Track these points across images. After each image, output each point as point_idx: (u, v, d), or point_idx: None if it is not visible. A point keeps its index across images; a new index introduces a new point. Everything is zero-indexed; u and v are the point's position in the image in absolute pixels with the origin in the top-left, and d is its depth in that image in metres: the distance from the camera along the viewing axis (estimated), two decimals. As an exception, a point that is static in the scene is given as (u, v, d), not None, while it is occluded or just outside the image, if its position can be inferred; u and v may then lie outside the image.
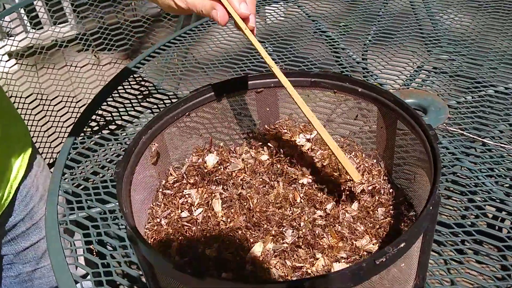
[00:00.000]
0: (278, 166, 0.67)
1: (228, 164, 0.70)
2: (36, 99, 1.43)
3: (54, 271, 0.68)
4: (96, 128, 0.99)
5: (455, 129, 0.83)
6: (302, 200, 0.63)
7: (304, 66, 1.05)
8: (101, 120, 1.00)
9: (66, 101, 1.46)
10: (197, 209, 0.64)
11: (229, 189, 0.66)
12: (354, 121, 0.71)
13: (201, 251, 0.59)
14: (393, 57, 1.05)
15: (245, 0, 0.59)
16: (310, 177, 0.65)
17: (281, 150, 0.69)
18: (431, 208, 0.50)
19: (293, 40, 1.16)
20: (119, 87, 1.08)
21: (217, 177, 0.68)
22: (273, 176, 0.66)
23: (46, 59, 1.48)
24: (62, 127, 1.43)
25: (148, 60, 1.17)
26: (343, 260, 0.58)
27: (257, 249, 0.58)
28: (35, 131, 1.40)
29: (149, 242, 0.63)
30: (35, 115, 1.41)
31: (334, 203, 0.63)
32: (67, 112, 1.45)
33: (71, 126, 1.00)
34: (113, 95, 1.06)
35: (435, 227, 0.55)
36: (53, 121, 1.43)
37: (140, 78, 1.12)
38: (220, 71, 1.10)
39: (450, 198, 0.75)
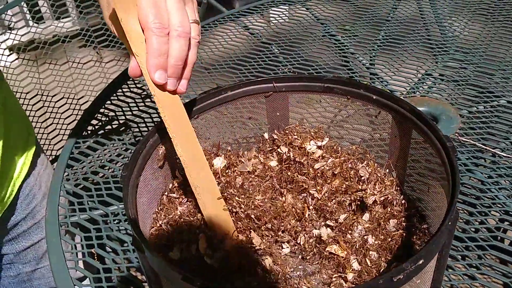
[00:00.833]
0: (288, 173, 0.65)
1: (235, 168, 0.68)
2: (37, 94, 1.41)
3: (53, 274, 0.66)
4: (99, 126, 0.97)
5: (466, 139, 0.81)
6: (311, 211, 0.61)
7: (312, 70, 1.03)
8: (103, 119, 0.98)
9: (68, 98, 1.44)
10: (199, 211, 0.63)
11: (235, 193, 0.65)
12: (367, 128, 0.69)
13: (203, 258, 0.57)
14: (403, 63, 1.03)
15: (166, 66, 0.52)
16: (320, 187, 0.63)
17: (291, 156, 0.67)
18: (449, 223, 0.48)
19: (301, 42, 1.14)
20: (123, 86, 1.06)
21: (223, 180, 0.66)
22: (283, 184, 0.64)
23: (47, 54, 1.46)
24: (63, 124, 1.41)
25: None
26: (352, 275, 0.56)
27: (267, 261, 0.56)
28: (35, 127, 1.37)
29: (152, 247, 0.61)
30: (36, 111, 1.38)
31: (346, 214, 0.61)
32: (68, 109, 1.43)
33: (74, 124, 0.98)
34: (117, 93, 1.04)
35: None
36: (54, 118, 1.41)
37: (143, 79, 1.10)
38: (225, 73, 1.08)
39: (463, 210, 0.74)
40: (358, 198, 0.63)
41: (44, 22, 1.66)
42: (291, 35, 1.19)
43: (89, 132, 0.94)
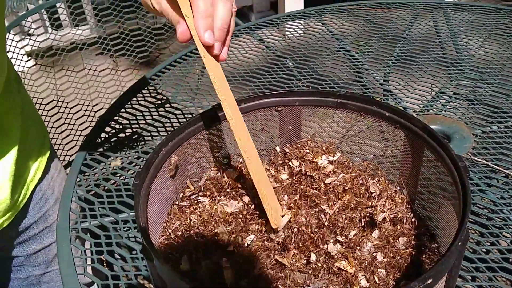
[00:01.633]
0: (301, 187, 0.65)
1: (246, 180, 0.68)
2: (53, 100, 1.43)
3: (62, 279, 0.67)
4: (112, 134, 0.98)
5: (479, 159, 0.80)
6: (325, 228, 0.61)
7: (326, 85, 1.04)
8: (117, 126, 1.00)
9: (83, 105, 1.46)
10: (209, 217, 0.63)
11: (246, 202, 0.65)
12: (379, 145, 0.69)
13: (213, 266, 0.57)
14: (417, 80, 1.03)
15: (213, 27, 0.54)
16: (332, 202, 0.63)
17: (302, 170, 0.67)
18: (459, 244, 0.48)
19: (315, 57, 1.14)
20: (138, 94, 1.07)
21: (234, 191, 0.66)
22: (294, 198, 0.64)
23: (65, 60, 1.48)
24: (77, 130, 1.43)
25: (168, 70, 1.16)
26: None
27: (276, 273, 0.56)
28: (50, 132, 1.39)
29: (162, 256, 0.61)
30: (51, 116, 1.40)
31: (356, 230, 0.61)
32: (83, 115, 1.44)
33: (88, 130, 1.00)
34: (131, 102, 1.05)
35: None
36: (69, 124, 1.42)
37: (157, 89, 1.11)
38: (239, 85, 1.09)
39: (474, 230, 0.73)
40: (367, 214, 0.63)
41: (62, 29, 1.69)
42: (305, 49, 1.19)
43: (102, 139, 0.96)
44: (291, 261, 0.57)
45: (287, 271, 0.57)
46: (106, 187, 0.83)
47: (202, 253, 0.59)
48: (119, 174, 0.87)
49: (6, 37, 1.07)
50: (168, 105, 1.06)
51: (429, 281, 0.44)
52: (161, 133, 0.97)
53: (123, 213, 0.77)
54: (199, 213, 0.64)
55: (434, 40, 1.23)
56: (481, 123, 0.90)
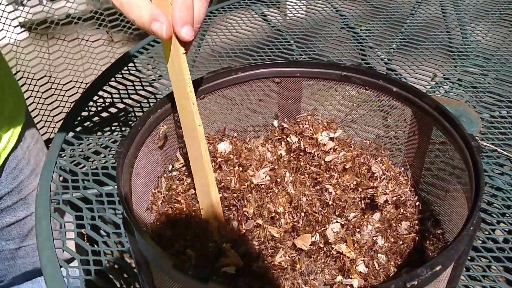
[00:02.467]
0: (301, 163, 0.61)
1: (241, 154, 0.63)
2: (43, 70, 1.38)
3: (39, 253, 0.62)
4: (102, 105, 0.93)
5: (487, 145, 0.76)
6: (329, 208, 0.56)
7: (327, 62, 0.99)
8: (107, 97, 0.94)
9: (74, 75, 1.40)
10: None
11: (243, 176, 0.60)
12: (384, 123, 0.65)
13: (201, 244, 0.53)
14: (420, 65, 0.98)
15: (193, 22, 0.48)
16: (336, 180, 0.59)
17: (301, 146, 0.62)
18: (471, 228, 0.43)
19: (318, 33, 1.09)
20: (130, 65, 1.02)
21: (229, 164, 0.62)
22: (295, 175, 0.60)
23: (58, 29, 1.42)
24: (67, 102, 1.38)
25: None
26: (357, 278, 0.51)
27: (278, 257, 0.52)
28: (38, 102, 1.34)
29: (145, 231, 0.57)
30: (40, 86, 1.35)
31: (356, 212, 0.56)
32: (73, 87, 1.39)
33: (74, 101, 0.95)
34: (122, 72, 1.00)
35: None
36: (58, 95, 1.37)
37: (150, 60, 1.06)
38: (236, 58, 1.03)
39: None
40: (368, 196, 0.58)
41: (57, 1, 1.63)
42: (308, 24, 1.14)
43: (91, 110, 0.90)
44: (305, 243, 0.53)
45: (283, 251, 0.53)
46: (91, 159, 0.79)
47: (193, 234, 0.54)
48: (109, 148, 0.83)
49: None
50: (160, 77, 1.01)
51: (437, 268, 0.40)
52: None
53: (107, 186, 0.72)
54: (188, 188, 0.60)
55: (440, 24, 1.18)
56: (489, 107, 0.86)
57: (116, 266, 0.64)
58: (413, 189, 0.61)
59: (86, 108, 0.90)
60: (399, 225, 0.57)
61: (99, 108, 0.91)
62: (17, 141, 0.74)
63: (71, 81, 1.39)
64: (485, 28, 1.13)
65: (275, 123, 0.69)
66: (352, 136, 0.66)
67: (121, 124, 0.90)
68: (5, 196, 0.75)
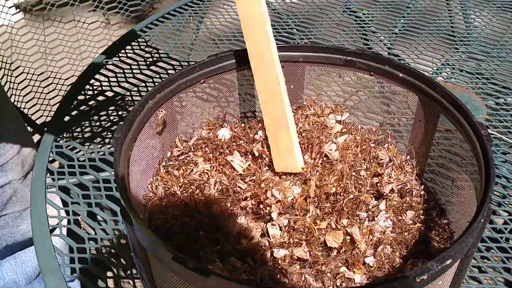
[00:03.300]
0: (311, 146, 0.59)
1: (243, 141, 0.61)
2: (38, 52, 1.35)
3: (34, 240, 0.61)
4: (98, 89, 0.91)
5: (492, 132, 0.74)
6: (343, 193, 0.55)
7: (329, 46, 0.96)
8: (104, 81, 0.92)
9: (70, 58, 1.37)
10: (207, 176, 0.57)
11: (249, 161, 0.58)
12: (389, 109, 0.63)
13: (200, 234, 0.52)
14: (424, 50, 0.96)
15: None
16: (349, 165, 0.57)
17: (306, 130, 0.60)
18: (482, 220, 0.42)
19: (319, 17, 1.07)
20: (127, 47, 0.99)
21: (232, 149, 0.60)
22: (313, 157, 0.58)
23: (53, 11, 1.39)
24: (63, 85, 1.35)
25: (161, 22, 1.08)
26: (362, 269, 0.50)
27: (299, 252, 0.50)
28: (34, 85, 1.31)
29: (143, 219, 0.55)
30: (36, 69, 1.32)
31: (373, 201, 0.55)
32: (70, 69, 1.36)
33: (71, 84, 0.92)
34: (119, 55, 0.97)
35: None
36: (54, 78, 1.35)
37: (148, 43, 1.03)
38: (236, 42, 1.01)
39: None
40: (374, 183, 0.57)
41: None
42: (309, 8, 1.11)
43: (88, 95, 0.88)
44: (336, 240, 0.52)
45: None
46: (88, 144, 0.77)
47: (188, 222, 0.53)
48: (106, 132, 0.81)
49: None
50: (159, 60, 0.98)
51: (448, 262, 0.38)
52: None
53: (104, 172, 0.71)
54: (187, 176, 0.58)
55: (443, 9, 1.16)
56: (494, 94, 0.84)
57: (112, 253, 0.62)
58: (418, 178, 0.60)
59: (83, 92, 0.87)
60: (405, 214, 0.56)
61: (96, 92, 0.89)
62: None
63: (67, 63, 1.36)
64: (489, 14, 1.11)
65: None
66: (358, 122, 0.64)
67: (118, 108, 0.88)
68: None
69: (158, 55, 0.99)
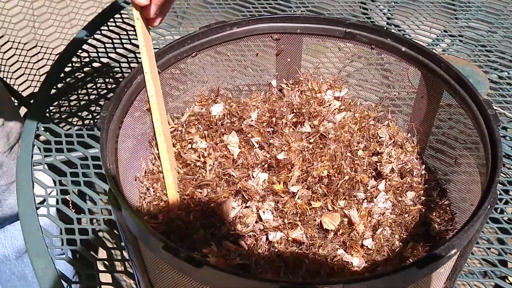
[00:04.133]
0: (305, 124, 0.56)
1: (237, 116, 0.59)
2: (24, 19, 1.30)
3: (20, 220, 0.59)
4: (86, 60, 0.87)
5: (495, 108, 0.72)
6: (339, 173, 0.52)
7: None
8: (92, 52, 0.88)
9: (58, 26, 1.32)
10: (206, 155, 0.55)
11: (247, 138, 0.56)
12: (390, 85, 0.60)
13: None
14: (425, 20, 0.92)
15: None
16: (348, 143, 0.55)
17: (302, 106, 0.58)
18: (488, 206, 0.40)
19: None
20: (116, 16, 0.95)
21: (227, 126, 0.57)
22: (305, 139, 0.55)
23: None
24: (51, 54, 1.30)
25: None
26: (360, 252, 0.48)
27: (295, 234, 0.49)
28: (20, 55, 1.27)
29: (133, 205, 0.53)
30: (22, 37, 1.27)
31: (372, 181, 0.53)
32: (58, 38, 1.31)
33: (58, 54, 0.89)
34: (108, 24, 0.93)
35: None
36: (42, 46, 1.30)
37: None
38: (230, 10, 0.97)
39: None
40: (373, 162, 0.54)
41: None
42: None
43: (76, 67, 0.85)
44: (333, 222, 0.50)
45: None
46: (76, 119, 0.74)
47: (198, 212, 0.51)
48: (94, 106, 0.78)
49: None
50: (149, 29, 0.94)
51: (452, 252, 0.37)
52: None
53: (93, 148, 0.68)
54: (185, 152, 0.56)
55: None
56: (497, 67, 0.81)
57: (102, 234, 0.60)
58: (419, 157, 0.58)
59: (70, 64, 0.84)
60: (405, 195, 0.54)
61: (84, 63, 0.86)
62: None
63: (55, 32, 1.31)
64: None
65: (274, 82, 0.64)
66: (358, 98, 0.62)
67: (107, 79, 0.85)
68: None
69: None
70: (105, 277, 0.54)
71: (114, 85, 0.82)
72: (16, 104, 1.12)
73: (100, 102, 0.78)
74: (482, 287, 0.55)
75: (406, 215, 0.52)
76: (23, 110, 1.11)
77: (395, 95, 0.61)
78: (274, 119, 0.57)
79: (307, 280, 0.45)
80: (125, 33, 0.92)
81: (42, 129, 0.71)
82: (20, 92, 1.20)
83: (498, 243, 0.58)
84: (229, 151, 0.54)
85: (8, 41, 1.25)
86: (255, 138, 0.55)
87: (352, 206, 0.51)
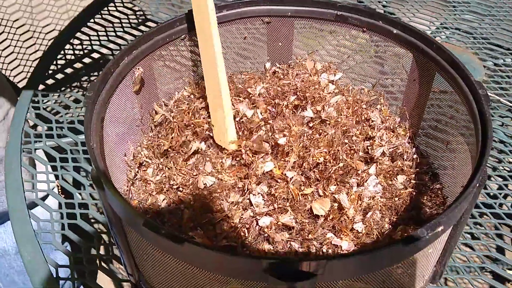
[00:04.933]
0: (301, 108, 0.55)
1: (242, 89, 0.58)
2: (19, 10, 1.29)
3: (9, 209, 0.58)
4: (79, 50, 0.86)
5: (491, 95, 0.71)
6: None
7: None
8: (85, 40, 0.88)
9: (50, 11, 1.31)
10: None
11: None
12: (382, 69, 0.60)
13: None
14: (421, 8, 0.91)
15: None
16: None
17: (307, 90, 0.57)
18: (477, 185, 0.39)
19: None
20: (110, 4, 0.94)
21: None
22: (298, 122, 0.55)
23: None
24: (44, 39, 1.30)
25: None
26: (349, 235, 0.48)
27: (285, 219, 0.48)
28: (13, 42, 1.25)
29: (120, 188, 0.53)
30: (16, 26, 1.27)
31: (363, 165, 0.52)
32: (51, 23, 1.30)
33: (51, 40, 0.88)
34: (102, 12, 0.93)
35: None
36: (34, 31, 1.28)
37: (132, 2, 0.98)
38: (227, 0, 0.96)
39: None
40: (365, 147, 0.54)
41: None
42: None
43: (68, 54, 0.84)
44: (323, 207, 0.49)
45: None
46: (67, 107, 0.73)
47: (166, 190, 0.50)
48: (81, 93, 0.77)
49: None
50: (146, 20, 0.94)
51: (439, 229, 0.36)
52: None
53: (83, 135, 0.67)
54: (168, 138, 0.55)
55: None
56: (493, 54, 0.80)
57: (91, 218, 0.60)
58: (411, 141, 0.57)
59: (62, 52, 0.83)
60: (395, 179, 0.53)
61: (76, 52, 0.85)
62: None
63: (47, 17, 1.30)
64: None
65: (267, 65, 0.63)
66: (351, 83, 0.61)
67: (99, 69, 0.84)
68: None
69: (143, 15, 0.94)
70: (93, 262, 0.54)
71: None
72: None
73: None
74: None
75: (397, 199, 0.51)
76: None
77: (388, 80, 0.61)
78: (276, 100, 0.56)
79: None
80: (118, 22, 0.91)
81: (34, 115, 0.70)
82: (16, 84, 1.20)
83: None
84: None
85: (3, 31, 1.24)
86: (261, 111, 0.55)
87: (342, 191, 0.51)
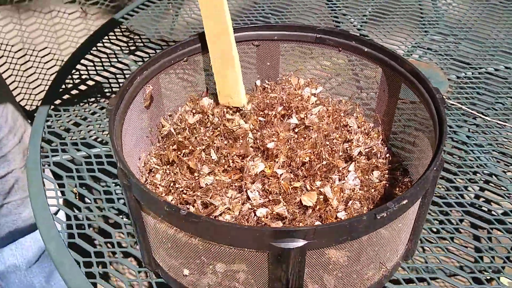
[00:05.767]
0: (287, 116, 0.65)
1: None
2: (19, 42, 1.37)
3: (34, 213, 0.65)
4: (85, 76, 0.95)
5: (454, 103, 0.81)
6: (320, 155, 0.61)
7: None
8: (90, 66, 0.96)
9: (49, 45, 1.40)
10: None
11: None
12: (357, 83, 0.69)
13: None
14: (392, 30, 1.02)
15: None
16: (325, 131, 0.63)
17: (291, 101, 0.66)
18: (435, 168, 0.48)
19: (293, 1, 1.12)
20: (110, 34, 1.04)
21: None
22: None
23: (32, 4, 1.42)
24: (45, 74, 1.38)
25: (141, 10, 1.12)
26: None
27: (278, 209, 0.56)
28: (14, 71, 1.34)
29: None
30: (18, 58, 1.35)
31: (344, 163, 0.61)
32: (50, 54, 1.39)
33: (57, 72, 0.96)
34: (103, 41, 1.02)
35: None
36: (37, 67, 1.37)
37: (128, 30, 1.08)
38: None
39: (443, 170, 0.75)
40: (345, 148, 0.63)
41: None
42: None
43: (75, 79, 0.92)
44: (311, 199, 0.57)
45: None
46: (77, 125, 0.81)
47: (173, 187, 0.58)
48: (89, 119, 0.85)
49: None
50: (141, 46, 1.03)
51: (404, 202, 0.45)
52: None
53: (95, 148, 0.75)
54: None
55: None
56: (456, 69, 0.91)
57: (106, 219, 0.67)
58: (384, 143, 0.66)
59: (69, 77, 0.92)
60: (371, 174, 0.62)
61: (83, 77, 0.94)
62: None
63: (46, 49, 1.39)
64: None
65: (258, 82, 0.73)
66: (330, 96, 0.70)
67: (105, 92, 0.93)
68: None
69: (139, 41, 1.03)
70: (110, 255, 0.61)
71: (106, 100, 0.89)
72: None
73: (97, 115, 0.86)
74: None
75: (373, 190, 0.60)
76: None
77: (362, 92, 0.70)
78: (266, 111, 0.65)
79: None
80: (119, 49, 1.00)
81: (48, 132, 0.78)
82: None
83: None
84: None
85: (5, 62, 1.32)
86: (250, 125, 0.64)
87: (326, 184, 0.59)
